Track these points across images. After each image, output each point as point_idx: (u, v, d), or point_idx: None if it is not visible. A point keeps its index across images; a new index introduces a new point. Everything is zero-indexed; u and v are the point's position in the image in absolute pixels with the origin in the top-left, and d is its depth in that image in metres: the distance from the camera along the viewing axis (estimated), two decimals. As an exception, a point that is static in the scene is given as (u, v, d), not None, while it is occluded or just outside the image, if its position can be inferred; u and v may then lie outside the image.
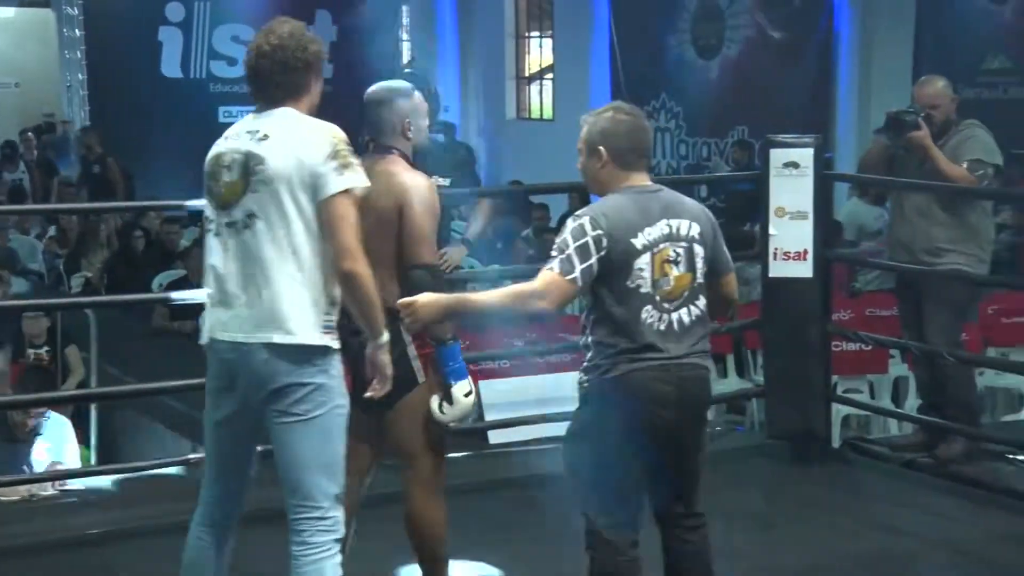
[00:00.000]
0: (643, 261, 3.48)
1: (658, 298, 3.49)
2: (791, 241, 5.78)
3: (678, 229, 3.53)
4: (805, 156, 5.82)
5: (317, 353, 3.39)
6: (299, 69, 3.48)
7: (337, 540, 3.49)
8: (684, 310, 3.53)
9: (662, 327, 3.50)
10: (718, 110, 14.04)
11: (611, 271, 3.48)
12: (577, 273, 3.45)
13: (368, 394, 3.57)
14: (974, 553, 4.87)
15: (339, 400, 3.45)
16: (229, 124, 3.68)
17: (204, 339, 3.53)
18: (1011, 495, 5.34)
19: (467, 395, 3.86)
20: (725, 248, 3.70)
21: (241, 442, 3.56)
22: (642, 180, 3.60)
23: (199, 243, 10.30)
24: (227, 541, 3.66)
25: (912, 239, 5.69)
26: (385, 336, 3.49)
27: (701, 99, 14.25)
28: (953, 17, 11.55)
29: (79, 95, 15.54)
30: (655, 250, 3.49)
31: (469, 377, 3.90)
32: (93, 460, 7.37)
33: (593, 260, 3.45)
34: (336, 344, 3.44)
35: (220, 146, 3.51)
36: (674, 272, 3.51)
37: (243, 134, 3.47)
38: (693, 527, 3.68)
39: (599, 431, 3.54)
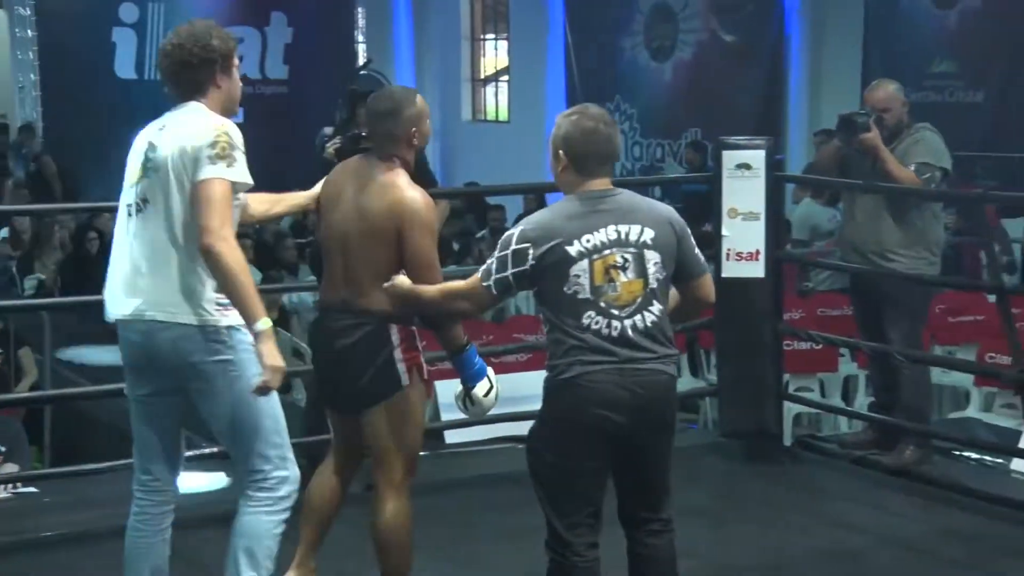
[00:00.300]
0: (579, 268, 3.48)
1: (603, 304, 3.49)
2: (743, 242, 5.84)
3: (627, 235, 3.51)
4: (757, 158, 5.88)
5: (218, 331, 3.50)
6: (197, 66, 3.59)
7: (282, 498, 3.60)
8: (638, 317, 3.51)
9: (613, 333, 3.49)
10: (671, 112, 14.15)
11: (547, 278, 3.51)
12: (491, 282, 3.55)
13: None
14: (922, 548, 4.94)
15: (253, 369, 3.48)
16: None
17: (109, 316, 3.63)
18: (957, 491, 5.43)
19: (487, 394, 3.95)
20: (696, 251, 3.67)
21: (163, 417, 3.67)
22: (601, 185, 3.59)
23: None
24: (166, 517, 3.75)
25: (863, 242, 5.74)
26: (261, 324, 3.42)
27: (655, 101, 14.35)
28: (900, 22, 11.70)
29: (31, 96, 15.40)
30: (596, 256, 3.48)
31: (488, 375, 3.96)
32: (47, 462, 7.34)
33: (508, 274, 3.52)
34: (236, 320, 3.50)
35: (138, 135, 3.69)
36: (622, 278, 3.49)
37: (155, 125, 3.64)
38: (658, 531, 3.67)
39: (554, 432, 3.56)
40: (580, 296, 3.49)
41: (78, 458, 7.53)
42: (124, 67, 15.47)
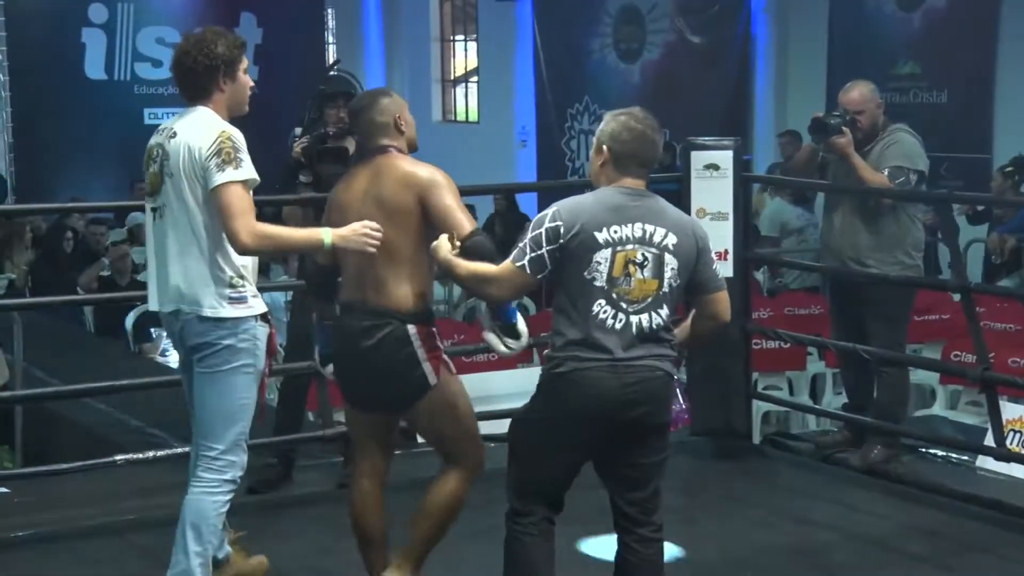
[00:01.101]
0: (602, 256, 3.54)
1: (615, 296, 3.55)
2: (712, 241, 5.84)
3: (652, 235, 3.58)
4: (725, 158, 5.95)
5: (224, 321, 3.85)
6: (202, 74, 3.89)
7: (228, 480, 3.89)
8: (645, 315, 3.56)
9: (617, 326, 3.54)
10: (640, 113, 14.20)
11: (570, 260, 3.56)
12: (525, 262, 3.58)
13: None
14: (886, 544, 5.00)
15: (246, 359, 3.89)
16: (155, 126, 4.12)
17: (153, 307, 4.03)
18: (923, 488, 5.50)
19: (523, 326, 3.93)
20: (715, 267, 3.72)
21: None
22: (635, 184, 3.66)
23: (116, 243, 10.27)
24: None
25: (841, 248, 5.77)
26: (327, 239, 3.80)
27: (623, 102, 14.23)
28: (864, 24, 11.79)
29: (1, 96, 15.33)
30: (619, 248, 3.55)
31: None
32: (18, 463, 7.31)
33: (543, 251, 3.56)
34: (246, 312, 3.87)
35: (152, 140, 3.96)
36: (638, 275, 3.55)
37: (165, 130, 3.94)
38: (648, 539, 3.70)
39: (541, 422, 3.63)
40: (596, 283, 3.55)
41: (50, 459, 7.53)
42: (94, 68, 15.42)
